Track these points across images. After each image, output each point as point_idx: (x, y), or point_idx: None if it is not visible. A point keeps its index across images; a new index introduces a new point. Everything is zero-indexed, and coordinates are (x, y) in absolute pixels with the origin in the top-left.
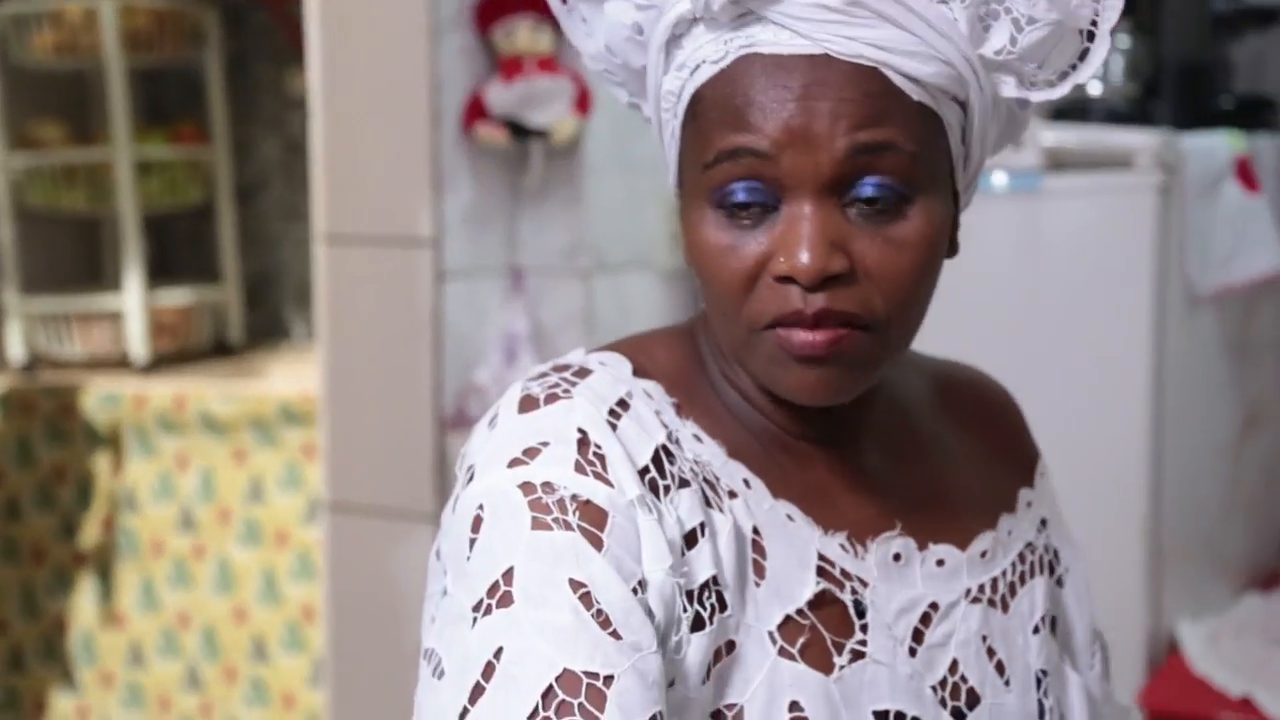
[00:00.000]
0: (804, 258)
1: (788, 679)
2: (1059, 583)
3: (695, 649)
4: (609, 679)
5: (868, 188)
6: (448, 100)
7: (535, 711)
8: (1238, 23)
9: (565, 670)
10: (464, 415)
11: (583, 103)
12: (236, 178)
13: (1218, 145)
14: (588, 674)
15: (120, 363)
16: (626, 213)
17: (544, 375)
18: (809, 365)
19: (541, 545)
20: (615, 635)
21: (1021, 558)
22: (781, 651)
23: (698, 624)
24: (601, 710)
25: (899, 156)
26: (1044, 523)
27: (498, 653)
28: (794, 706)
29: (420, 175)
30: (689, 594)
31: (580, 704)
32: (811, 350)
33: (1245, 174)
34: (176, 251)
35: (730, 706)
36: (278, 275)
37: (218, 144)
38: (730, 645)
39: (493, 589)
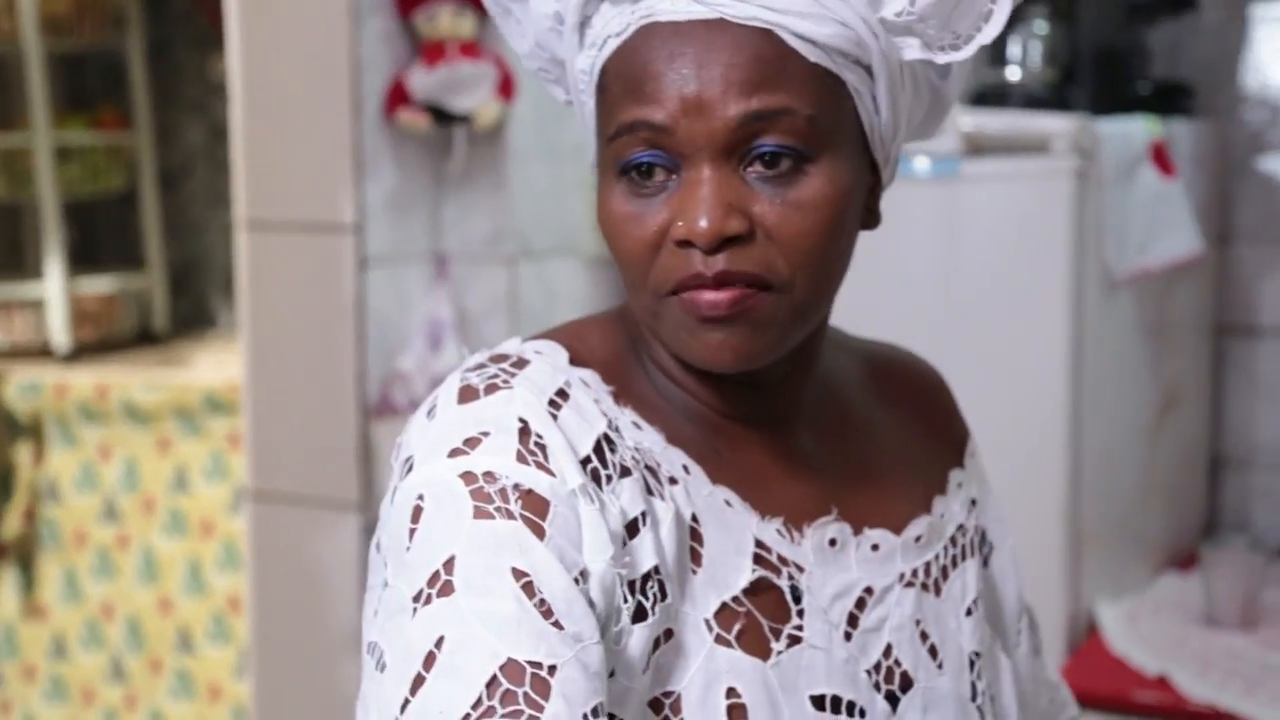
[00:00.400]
0: (701, 221)
1: (724, 665)
2: (985, 562)
3: (637, 640)
4: (553, 669)
5: (763, 150)
6: (369, 85)
7: (479, 701)
8: (1154, 9)
9: (509, 659)
10: (388, 403)
11: (506, 88)
12: (160, 164)
13: (1134, 130)
14: (531, 664)
15: (42, 352)
16: (551, 199)
17: (482, 366)
18: (714, 327)
19: (483, 534)
20: (558, 625)
21: (954, 541)
22: (718, 639)
23: (639, 615)
24: (546, 700)
25: (794, 120)
26: (973, 503)
27: (439, 642)
28: (731, 693)
29: (342, 161)
30: (631, 584)
31: (525, 693)
32: (714, 310)
33: (1161, 159)
34: (99, 239)
35: (668, 694)
36: (203, 262)
37: (140, 130)
38: (669, 633)
39: (433, 578)
